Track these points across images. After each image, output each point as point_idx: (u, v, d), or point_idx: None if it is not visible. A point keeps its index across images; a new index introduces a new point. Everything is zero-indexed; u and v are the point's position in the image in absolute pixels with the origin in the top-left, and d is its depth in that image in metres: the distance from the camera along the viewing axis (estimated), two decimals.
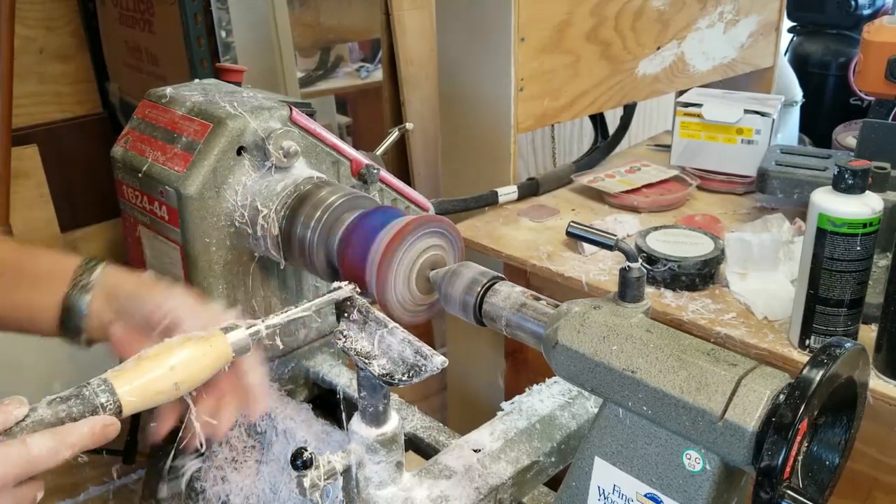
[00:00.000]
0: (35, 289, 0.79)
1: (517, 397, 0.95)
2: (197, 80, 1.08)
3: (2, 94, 1.74)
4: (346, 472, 0.77)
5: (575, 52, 1.57)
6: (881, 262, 1.15)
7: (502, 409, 0.93)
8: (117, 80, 2.02)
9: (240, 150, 0.91)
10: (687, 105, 1.63)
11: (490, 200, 1.52)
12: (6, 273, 0.79)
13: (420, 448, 0.97)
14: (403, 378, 0.70)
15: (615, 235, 0.71)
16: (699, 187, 1.60)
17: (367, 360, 0.72)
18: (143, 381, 0.62)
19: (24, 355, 1.72)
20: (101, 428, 0.59)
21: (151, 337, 0.74)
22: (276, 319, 0.71)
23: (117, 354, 0.77)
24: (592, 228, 0.73)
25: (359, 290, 0.77)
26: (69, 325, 0.78)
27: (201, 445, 0.85)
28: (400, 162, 2.02)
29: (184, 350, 0.65)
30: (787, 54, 2.24)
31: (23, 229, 2.01)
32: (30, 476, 0.57)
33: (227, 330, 0.68)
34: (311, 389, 1.09)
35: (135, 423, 1.32)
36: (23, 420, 0.57)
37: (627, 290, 0.70)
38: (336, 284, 0.75)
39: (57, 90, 2.00)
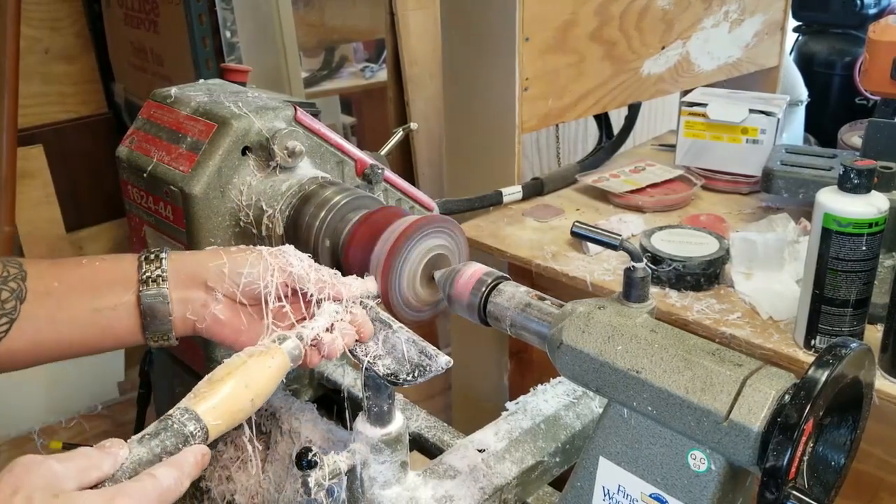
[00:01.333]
0: (96, 298, 0.72)
1: (522, 397, 0.95)
2: (202, 81, 1.08)
3: (8, 94, 1.74)
4: (351, 471, 0.77)
5: (579, 52, 1.57)
6: (887, 261, 1.15)
7: (507, 409, 0.93)
8: (122, 80, 2.02)
9: (244, 150, 0.91)
10: (692, 105, 1.63)
11: (494, 200, 1.52)
12: (53, 292, 0.71)
13: (425, 448, 0.97)
14: (408, 378, 0.70)
15: (620, 235, 0.71)
16: (704, 187, 1.60)
17: (372, 360, 0.72)
18: (221, 401, 0.62)
19: None
20: (201, 457, 0.60)
21: (267, 305, 0.74)
22: (321, 322, 0.72)
23: (221, 337, 0.74)
24: (597, 228, 0.73)
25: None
26: (153, 324, 0.73)
27: (252, 465, 0.85)
28: (404, 162, 2.02)
29: (250, 366, 0.65)
30: (793, 54, 2.24)
31: (29, 229, 2.02)
32: None
33: (280, 340, 0.69)
34: (316, 389, 1.09)
35: (140, 423, 1.32)
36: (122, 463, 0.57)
37: (632, 290, 0.70)
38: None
39: (62, 90, 2.01)
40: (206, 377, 0.64)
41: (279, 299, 0.74)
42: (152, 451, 0.58)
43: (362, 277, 0.81)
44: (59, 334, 0.72)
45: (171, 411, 0.61)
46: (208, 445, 0.62)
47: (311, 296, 0.74)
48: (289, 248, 0.76)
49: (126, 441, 0.58)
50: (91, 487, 0.55)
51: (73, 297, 0.72)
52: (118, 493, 0.55)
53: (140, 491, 0.56)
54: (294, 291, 0.74)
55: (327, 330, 0.73)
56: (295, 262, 0.74)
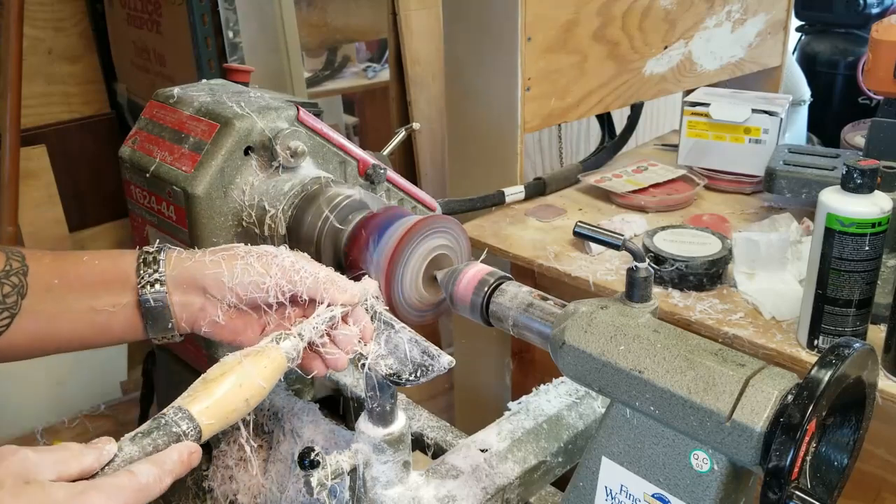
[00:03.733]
0: (94, 297, 0.73)
1: (524, 397, 0.95)
2: (204, 81, 1.08)
3: (11, 94, 1.74)
4: (353, 471, 0.77)
5: (582, 52, 1.57)
6: (890, 261, 1.14)
7: (509, 409, 0.93)
8: (125, 80, 2.02)
9: (247, 150, 0.91)
10: (694, 104, 1.63)
11: (497, 200, 1.52)
12: (53, 289, 0.72)
13: (427, 448, 0.97)
14: (410, 378, 0.70)
15: (622, 235, 0.71)
16: (707, 187, 1.60)
17: (374, 360, 0.72)
18: (215, 401, 0.62)
19: (30, 361, 1.72)
20: (188, 455, 0.59)
21: (267, 312, 0.74)
22: (322, 318, 0.71)
23: (220, 338, 0.75)
24: (599, 228, 0.73)
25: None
26: (155, 326, 0.74)
27: (251, 465, 0.84)
28: (407, 162, 2.02)
29: (245, 366, 0.65)
30: (795, 53, 2.24)
31: (31, 229, 2.02)
32: None
33: (278, 340, 0.68)
34: (319, 389, 1.09)
35: (143, 422, 1.32)
36: (112, 460, 0.57)
37: (635, 290, 0.70)
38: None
39: (65, 91, 2.01)
40: (202, 377, 0.64)
41: (280, 305, 0.74)
42: (144, 449, 0.58)
43: (367, 277, 0.81)
44: (58, 331, 0.73)
45: (165, 410, 0.61)
46: (204, 445, 0.62)
47: (304, 300, 0.73)
48: (281, 251, 0.75)
49: (119, 440, 0.58)
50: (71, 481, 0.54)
51: (71, 295, 0.72)
52: (91, 486, 0.54)
53: (114, 486, 0.55)
54: (294, 297, 0.74)
55: (328, 336, 0.72)
56: (294, 267, 0.74)
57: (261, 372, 0.66)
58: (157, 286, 0.73)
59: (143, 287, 0.72)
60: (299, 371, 0.72)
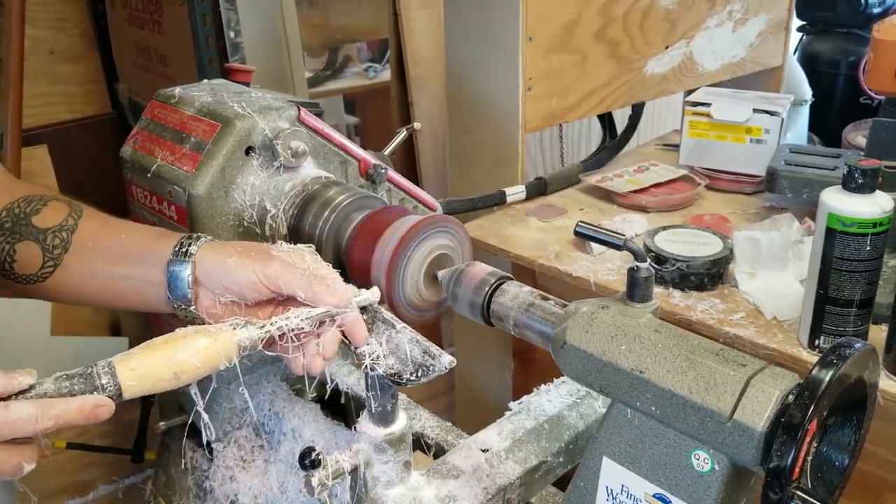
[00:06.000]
0: (116, 266, 0.78)
1: (525, 397, 0.95)
2: (205, 81, 1.08)
3: (13, 94, 1.74)
4: (354, 471, 0.77)
5: (583, 52, 1.57)
6: (891, 261, 1.14)
7: (510, 409, 0.93)
8: (126, 80, 2.02)
9: (248, 150, 0.92)
10: (696, 104, 1.63)
11: (498, 200, 1.52)
12: (87, 251, 0.79)
13: (428, 448, 0.97)
14: (411, 378, 0.70)
15: (623, 235, 0.71)
16: (708, 187, 1.60)
17: (375, 360, 0.72)
18: (145, 367, 0.64)
19: (30, 354, 1.72)
20: (91, 407, 0.60)
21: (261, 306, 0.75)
22: (299, 316, 0.71)
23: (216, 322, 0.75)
24: (601, 228, 0.73)
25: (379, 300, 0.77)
26: (174, 292, 0.76)
27: (210, 434, 0.85)
28: (408, 162, 2.02)
29: (189, 342, 0.66)
30: (797, 53, 2.24)
31: None
32: (4, 439, 0.58)
33: (236, 326, 0.69)
34: (320, 389, 1.09)
35: (143, 422, 1.32)
36: (27, 391, 0.59)
37: (636, 289, 0.70)
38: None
39: (67, 91, 2.01)
40: (149, 340, 0.66)
41: (268, 303, 0.75)
42: (59, 390, 0.60)
43: (367, 278, 0.82)
44: (86, 288, 0.81)
45: (99, 361, 0.62)
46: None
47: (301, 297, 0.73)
48: (284, 248, 0.76)
49: (51, 375, 0.60)
50: None
51: (100, 260, 0.79)
52: None
53: None
54: (290, 297, 0.74)
55: (309, 338, 0.72)
56: (287, 271, 0.74)
57: (199, 352, 0.66)
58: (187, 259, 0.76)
59: (173, 258, 0.76)
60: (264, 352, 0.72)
